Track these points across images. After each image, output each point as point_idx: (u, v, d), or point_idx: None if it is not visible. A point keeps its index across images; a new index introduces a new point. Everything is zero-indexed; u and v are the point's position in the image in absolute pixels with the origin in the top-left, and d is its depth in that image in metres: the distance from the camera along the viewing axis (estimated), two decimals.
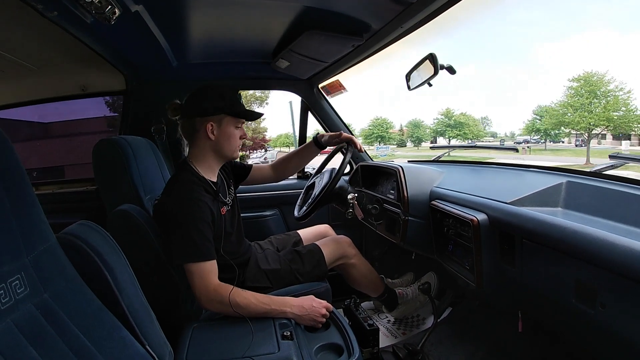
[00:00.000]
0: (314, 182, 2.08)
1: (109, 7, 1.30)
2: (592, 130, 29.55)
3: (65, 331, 0.80)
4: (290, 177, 2.69)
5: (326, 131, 2.70)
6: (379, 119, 36.97)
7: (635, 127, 28.95)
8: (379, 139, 36.26)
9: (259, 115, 1.65)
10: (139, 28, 1.61)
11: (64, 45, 1.83)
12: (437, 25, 1.59)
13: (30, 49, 1.92)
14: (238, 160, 1.88)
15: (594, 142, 33.02)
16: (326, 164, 2.22)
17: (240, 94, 1.61)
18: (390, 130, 37.59)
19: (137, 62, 2.17)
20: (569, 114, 29.74)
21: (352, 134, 2.69)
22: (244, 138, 1.64)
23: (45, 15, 1.35)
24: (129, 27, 1.57)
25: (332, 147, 2.02)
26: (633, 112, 28.71)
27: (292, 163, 2.05)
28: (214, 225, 1.51)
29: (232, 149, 1.62)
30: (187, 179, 1.53)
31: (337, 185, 1.81)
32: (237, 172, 1.92)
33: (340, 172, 1.79)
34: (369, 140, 35.64)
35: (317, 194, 1.89)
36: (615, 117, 28.73)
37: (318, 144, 1.95)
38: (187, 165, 1.58)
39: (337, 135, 1.92)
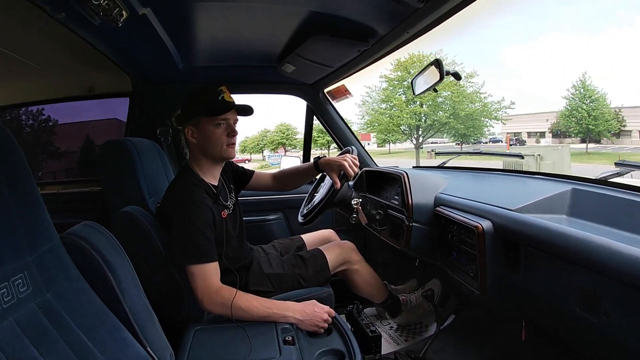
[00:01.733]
0: (317, 189, 2.08)
1: (117, 9, 1.31)
2: (418, 130, 25.06)
3: (66, 331, 0.80)
4: None
5: (331, 136, 2.71)
6: (283, 124, 33.95)
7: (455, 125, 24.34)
8: (279, 146, 33.24)
9: (242, 108, 1.61)
10: (146, 31, 1.61)
11: (71, 47, 1.85)
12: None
13: (38, 49, 1.94)
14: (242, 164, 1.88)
15: (531, 142, 30.42)
16: None
17: (220, 90, 1.55)
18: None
19: (143, 65, 2.18)
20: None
21: (358, 140, 2.70)
22: (233, 135, 1.59)
23: (53, 17, 1.36)
24: (136, 29, 1.58)
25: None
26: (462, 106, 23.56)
27: (292, 180, 2.05)
28: (215, 228, 1.51)
29: (217, 149, 1.58)
30: (188, 181, 1.54)
31: (341, 191, 1.81)
32: (238, 177, 1.93)
33: (334, 194, 1.79)
34: (272, 147, 33.39)
35: (319, 200, 1.89)
36: (422, 112, 24.20)
37: (317, 168, 1.90)
38: (188, 169, 1.60)
39: (334, 165, 1.79)
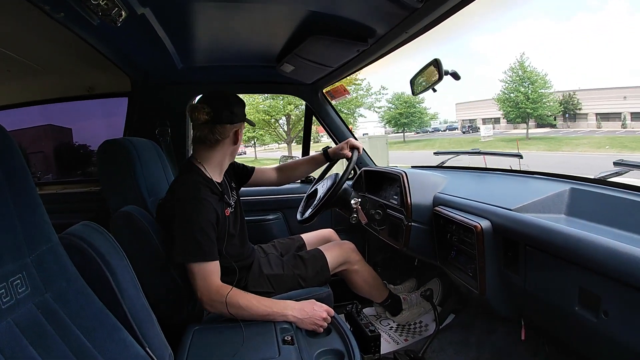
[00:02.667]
0: (315, 190, 2.07)
1: (116, 9, 1.31)
2: None
3: (65, 331, 0.80)
4: None
5: (330, 135, 2.71)
6: None
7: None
8: None
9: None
10: (145, 31, 1.61)
11: (70, 47, 1.84)
12: None
13: (37, 49, 1.93)
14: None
15: (485, 129, 28.72)
16: (328, 170, 2.21)
17: None
18: None
19: (142, 64, 2.18)
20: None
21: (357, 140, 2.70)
22: None
23: (52, 17, 1.36)
24: (135, 29, 1.57)
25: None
26: None
27: (299, 170, 2.09)
28: (218, 226, 1.51)
29: (238, 150, 1.72)
30: (194, 179, 1.53)
31: (341, 190, 1.81)
32: (240, 174, 1.94)
33: (345, 175, 1.80)
34: None
35: (321, 196, 1.89)
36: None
37: (327, 156, 1.98)
38: (193, 166, 1.58)
39: (343, 145, 1.95)
